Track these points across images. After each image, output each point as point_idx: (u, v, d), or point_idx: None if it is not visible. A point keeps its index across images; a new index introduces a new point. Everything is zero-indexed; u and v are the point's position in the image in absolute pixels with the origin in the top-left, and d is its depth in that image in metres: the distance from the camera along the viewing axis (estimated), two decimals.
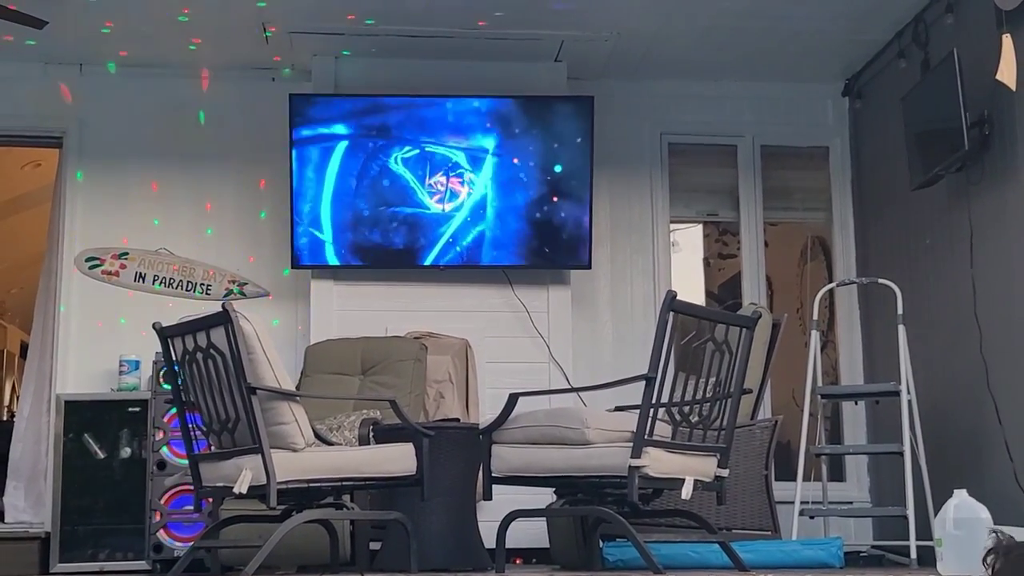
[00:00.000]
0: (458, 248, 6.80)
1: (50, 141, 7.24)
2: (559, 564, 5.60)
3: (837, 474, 7.17)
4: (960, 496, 4.21)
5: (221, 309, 4.34)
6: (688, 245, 8.19)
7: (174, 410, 5.96)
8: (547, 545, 5.68)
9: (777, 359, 5.90)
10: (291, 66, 7.16)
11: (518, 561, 6.33)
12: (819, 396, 6.17)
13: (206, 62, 7.10)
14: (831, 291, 6.99)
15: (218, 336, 4.38)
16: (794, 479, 5.88)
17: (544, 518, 5.48)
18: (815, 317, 6.18)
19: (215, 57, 7.04)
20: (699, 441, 4.60)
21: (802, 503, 5.86)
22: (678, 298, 4.47)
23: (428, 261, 6.77)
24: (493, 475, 4.74)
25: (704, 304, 7.60)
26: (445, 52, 6.88)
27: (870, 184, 7.34)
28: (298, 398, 4.53)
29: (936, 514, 4.30)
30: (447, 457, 5.04)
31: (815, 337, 6.13)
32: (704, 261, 8.34)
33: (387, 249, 6.77)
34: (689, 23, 6.61)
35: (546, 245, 6.84)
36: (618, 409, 5.00)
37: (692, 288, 8.02)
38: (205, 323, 4.43)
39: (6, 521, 6.83)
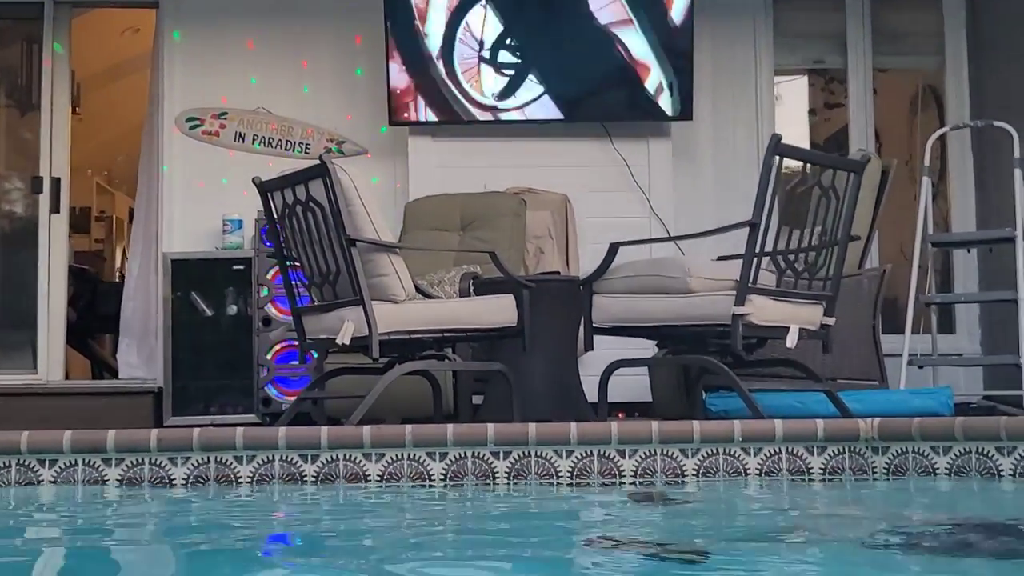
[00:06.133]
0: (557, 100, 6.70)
1: (147, 2, 7.22)
2: (662, 417, 5.59)
3: (947, 326, 6.98)
4: None
5: (319, 161, 4.33)
6: (792, 98, 7.94)
7: (277, 267, 6.01)
8: (650, 399, 5.66)
9: (885, 211, 5.72)
10: None
11: (621, 415, 6.33)
12: (929, 245, 6.00)
13: None
14: (943, 139, 6.74)
15: (317, 189, 4.38)
16: (902, 332, 5.76)
17: (647, 372, 5.46)
18: (926, 163, 5.97)
19: None
20: (804, 289, 4.50)
21: (910, 354, 5.74)
22: (783, 141, 4.34)
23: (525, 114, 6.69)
24: (595, 325, 4.72)
25: None
26: None
27: (986, 25, 7.00)
28: (398, 251, 4.53)
29: None
30: (548, 309, 5.01)
31: (926, 183, 5.93)
32: (809, 112, 8.09)
33: (483, 102, 6.69)
34: None
35: (645, 96, 6.69)
36: (721, 259, 4.91)
37: (797, 140, 7.77)
38: (304, 176, 4.43)
39: (120, 377, 7.05)
